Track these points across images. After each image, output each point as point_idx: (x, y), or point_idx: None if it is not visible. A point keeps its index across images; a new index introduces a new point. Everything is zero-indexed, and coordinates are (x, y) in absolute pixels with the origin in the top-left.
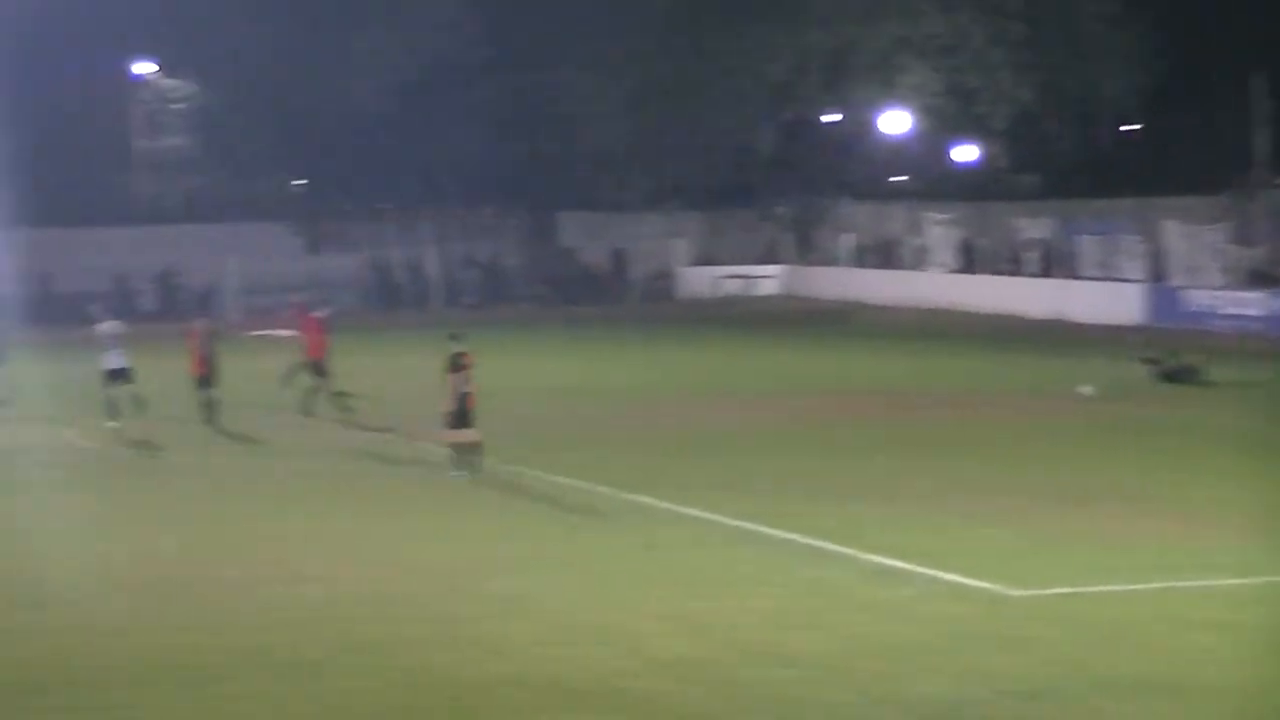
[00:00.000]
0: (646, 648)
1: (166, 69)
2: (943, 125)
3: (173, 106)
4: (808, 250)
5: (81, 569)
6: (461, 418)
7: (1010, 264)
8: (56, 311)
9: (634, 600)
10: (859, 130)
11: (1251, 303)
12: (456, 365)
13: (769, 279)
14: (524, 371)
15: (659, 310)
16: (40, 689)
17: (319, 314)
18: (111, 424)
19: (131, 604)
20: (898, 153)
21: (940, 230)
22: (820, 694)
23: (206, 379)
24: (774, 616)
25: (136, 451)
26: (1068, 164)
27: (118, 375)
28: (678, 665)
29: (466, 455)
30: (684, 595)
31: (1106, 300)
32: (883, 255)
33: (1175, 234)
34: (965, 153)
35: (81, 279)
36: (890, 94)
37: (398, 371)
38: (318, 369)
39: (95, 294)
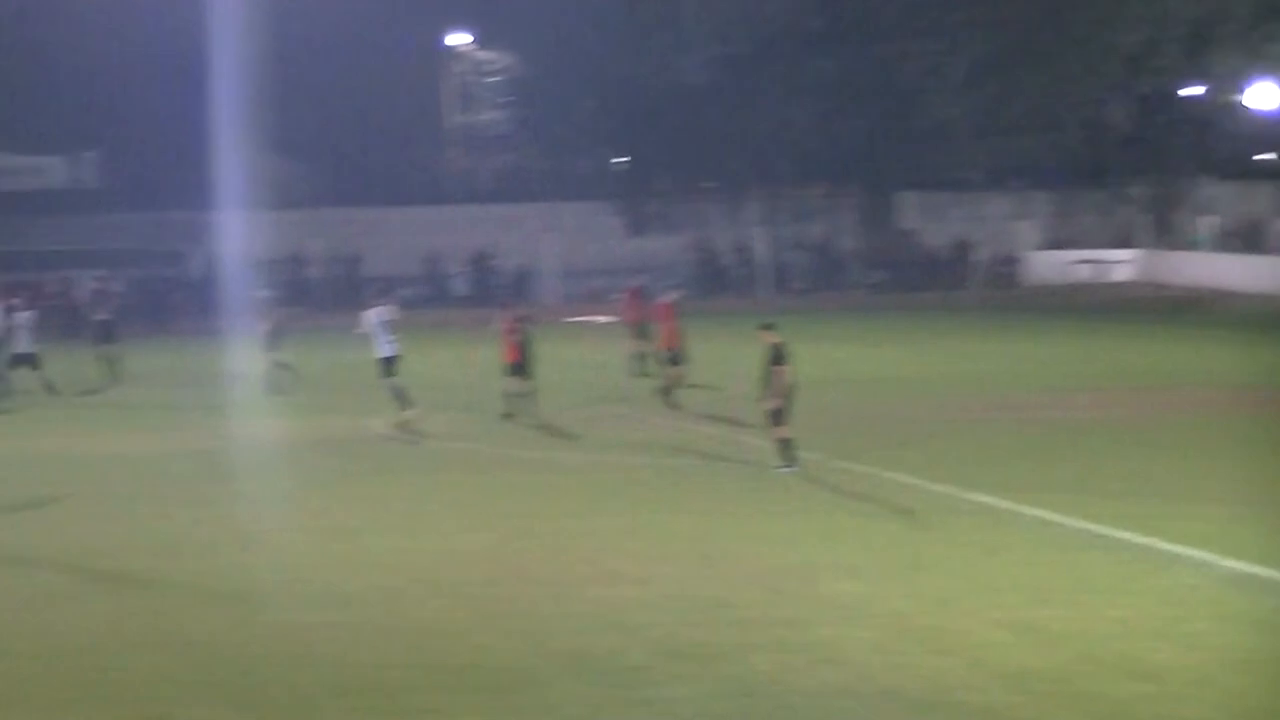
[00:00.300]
0: (990, 658)
1: (481, 40)
2: None
3: (487, 79)
4: (1165, 233)
5: (389, 565)
6: (783, 411)
7: None
8: (365, 294)
9: (975, 606)
10: (1222, 104)
11: None
12: (780, 357)
13: (1123, 264)
14: (857, 361)
15: (1003, 297)
16: (345, 690)
17: (668, 299)
18: (405, 414)
19: (441, 603)
20: (1265, 128)
21: None
22: (1180, 711)
23: (519, 367)
24: (1127, 626)
25: (444, 443)
26: None
27: (389, 363)
28: (1024, 677)
29: (792, 450)
30: (1029, 602)
31: None
32: (1248, 239)
33: None
34: None
35: (390, 261)
36: (1257, 65)
37: (722, 361)
38: (672, 358)
39: (405, 277)
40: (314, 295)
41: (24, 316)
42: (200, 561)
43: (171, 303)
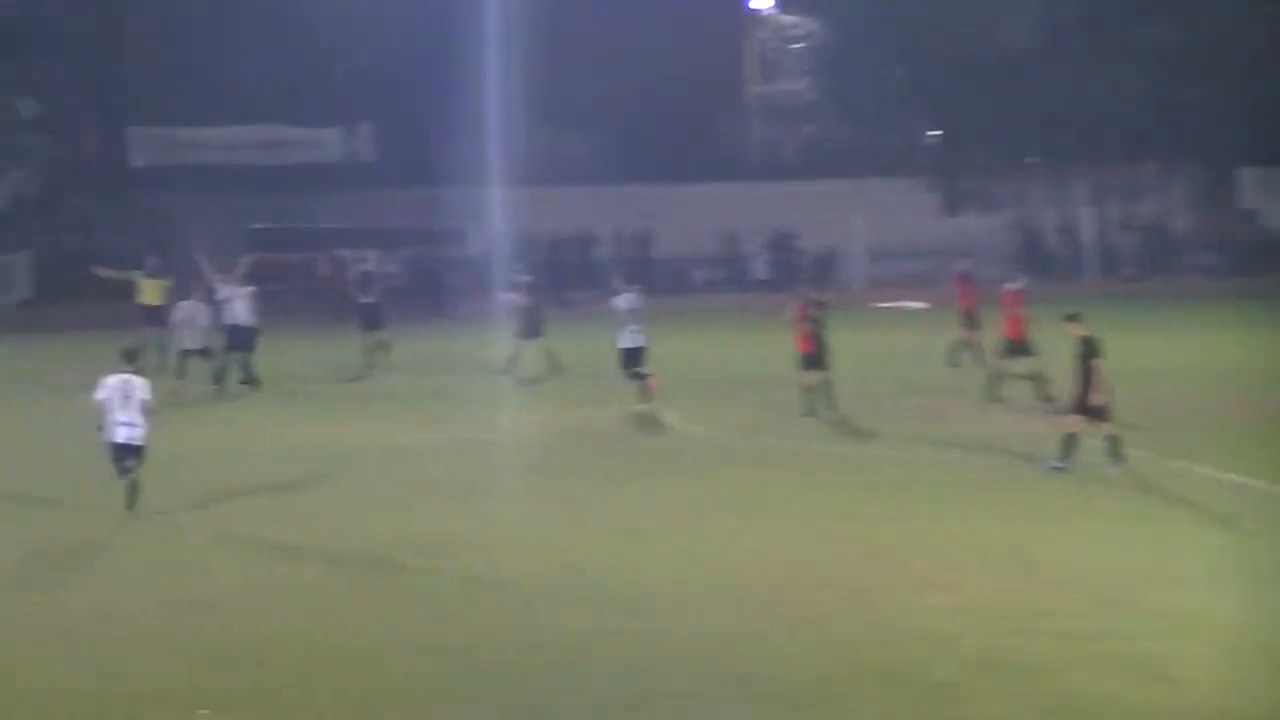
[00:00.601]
0: None
1: (784, 4)
2: None
3: (791, 46)
4: None
5: (678, 568)
6: (1097, 407)
7: None
8: (656, 277)
9: None
10: None
11: None
12: (1093, 350)
13: None
14: (1191, 352)
15: None
16: (632, 702)
17: (1015, 286)
18: (640, 407)
19: (734, 610)
20: None
21: None
22: None
23: (813, 358)
24: None
25: (736, 437)
26: None
27: (633, 355)
28: None
29: (1118, 448)
30: None
31: None
32: None
33: None
34: None
35: (684, 241)
36: None
37: (1048, 351)
38: (1015, 349)
39: (700, 259)
40: (602, 277)
41: (239, 291)
42: (473, 560)
43: (450, 285)
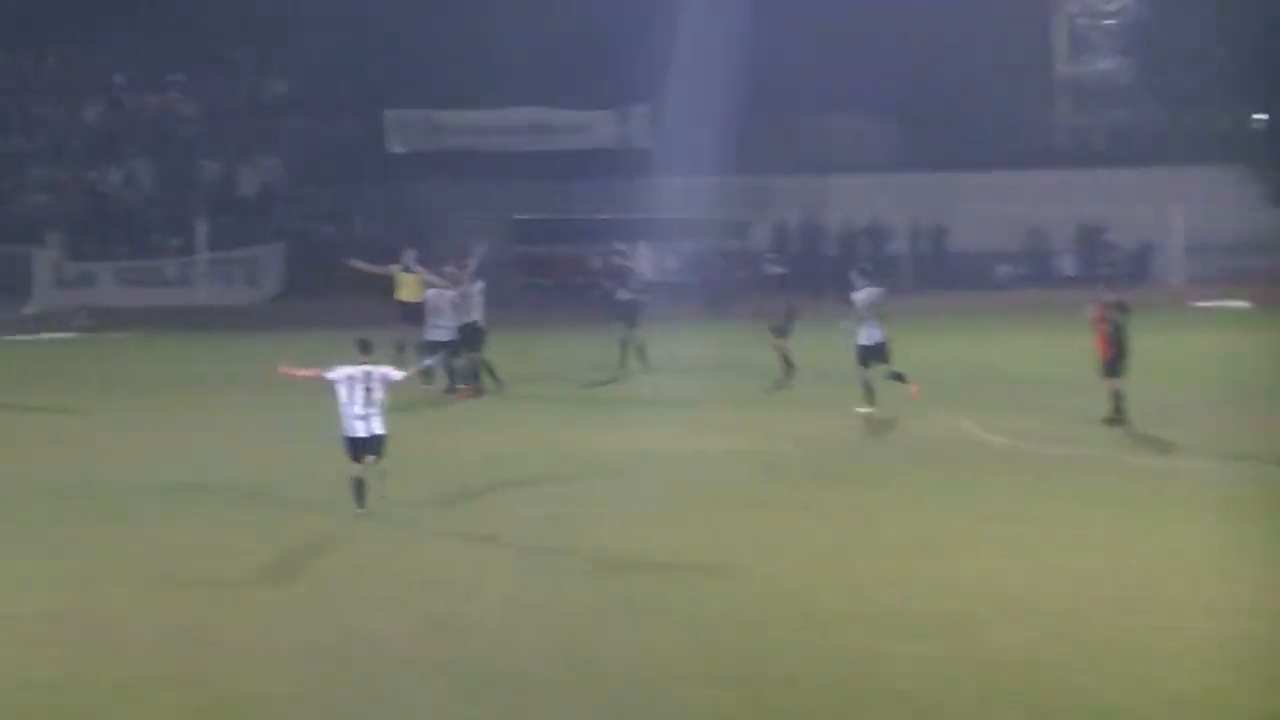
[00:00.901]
0: None
1: None
2: None
3: (1103, 22)
4: None
5: (974, 589)
6: None
7: None
8: (953, 273)
9: None
10: None
11: None
12: None
13: None
14: None
15: None
16: None
17: None
18: (864, 409)
19: (1033, 634)
20: None
21: None
22: None
23: (1114, 363)
24: None
25: (1033, 445)
26: None
27: (873, 352)
28: None
29: None
30: None
31: None
32: None
33: None
34: None
35: (982, 234)
36: None
37: None
38: None
39: (1000, 254)
40: (896, 273)
41: (471, 288)
42: (754, 578)
43: (734, 280)
